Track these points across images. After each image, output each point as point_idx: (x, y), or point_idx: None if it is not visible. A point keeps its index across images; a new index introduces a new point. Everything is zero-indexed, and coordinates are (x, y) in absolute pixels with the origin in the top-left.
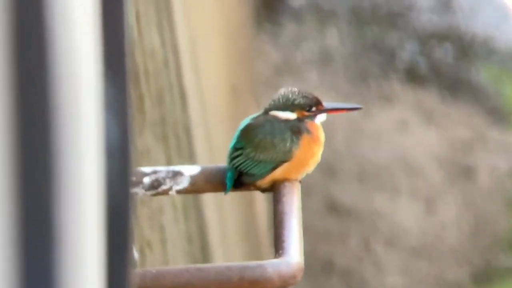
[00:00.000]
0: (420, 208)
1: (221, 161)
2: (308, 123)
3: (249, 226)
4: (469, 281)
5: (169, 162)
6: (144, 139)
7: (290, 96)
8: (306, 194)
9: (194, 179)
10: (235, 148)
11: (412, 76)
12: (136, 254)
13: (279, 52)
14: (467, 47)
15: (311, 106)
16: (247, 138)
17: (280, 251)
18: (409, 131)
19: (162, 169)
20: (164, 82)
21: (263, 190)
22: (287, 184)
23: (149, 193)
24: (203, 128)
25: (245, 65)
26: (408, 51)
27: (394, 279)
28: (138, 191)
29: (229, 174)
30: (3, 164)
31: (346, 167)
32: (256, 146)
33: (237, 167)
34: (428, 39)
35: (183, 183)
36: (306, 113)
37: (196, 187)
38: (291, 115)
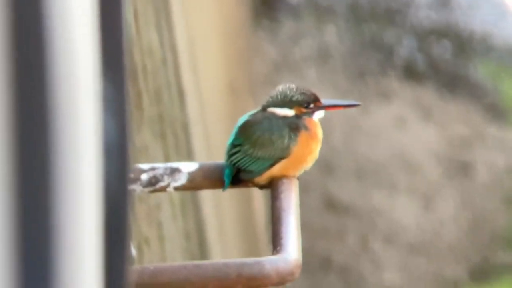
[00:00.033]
0: (418, 205)
1: (219, 159)
2: (306, 119)
3: (247, 223)
4: (467, 277)
5: (167, 160)
6: (142, 136)
7: (288, 92)
8: (304, 191)
9: (192, 176)
10: (233, 145)
11: (410, 73)
12: (133, 251)
13: (277, 49)
14: (465, 44)
15: (309, 102)
16: (245, 135)
17: (278, 248)
18: (407, 128)
19: (160, 165)
20: (162, 80)
21: (261, 187)
22: (285, 180)
23: (146, 189)
24: (201, 126)
25: (243, 62)
26: (406, 47)
27: (392, 275)
28: (136, 187)
29: (227, 171)
30: (1, 162)
31: (344, 164)
32: (254, 143)
33: (235, 163)
34: (426, 36)
35: (181, 179)
36: (304, 110)
37: (194, 184)
38: (289, 112)
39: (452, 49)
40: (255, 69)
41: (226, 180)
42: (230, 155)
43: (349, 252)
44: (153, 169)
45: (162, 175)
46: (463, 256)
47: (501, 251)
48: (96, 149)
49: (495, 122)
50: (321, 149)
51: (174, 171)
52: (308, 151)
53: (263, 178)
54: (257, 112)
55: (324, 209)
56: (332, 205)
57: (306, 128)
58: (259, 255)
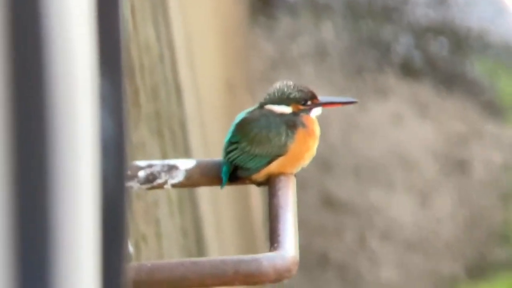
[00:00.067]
0: (415, 202)
1: (216, 157)
2: (303, 117)
3: (244, 220)
4: (464, 274)
5: (164, 157)
6: (139, 132)
7: (286, 90)
8: (301, 188)
9: (189, 173)
10: (231, 142)
11: (407, 70)
12: (131, 248)
13: (274, 46)
14: (462, 41)
15: (307, 100)
16: (243, 132)
17: (275, 245)
18: (404, 125)
19: (157, 163)
20: (159, 77)
21: (259, 184)
22: (282, 178)
23: (144, 187)
24: (199, 123)
25: (240, 59)
26: (403, 45)
27: (389, 273)
28: (133, 185)
29: (224, 168)
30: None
31: (341, 161)
32: (252, 140)
33: (232, 161)
34: (423, 33)
35: (178, 177)
36: (301, 107)
37: (191, 181)
38: (286, 109)
39: (449, 46)
40: (252, 66)
41: (224, 178)
42: (227, 152)
43: (346, 249)
44: (150, 166)
45: (159, 172)
46: (460, 253)
47: (498, 248)
48: (94, 147)
49: (492, 119)
50: (318, 146)
51: (171, 168)
52: (306, 148)
53: (260, 175)
54: (254, 110)
55: (322, 206)
56: (329, 202)
57: (303, 125)
58: (256, 252)
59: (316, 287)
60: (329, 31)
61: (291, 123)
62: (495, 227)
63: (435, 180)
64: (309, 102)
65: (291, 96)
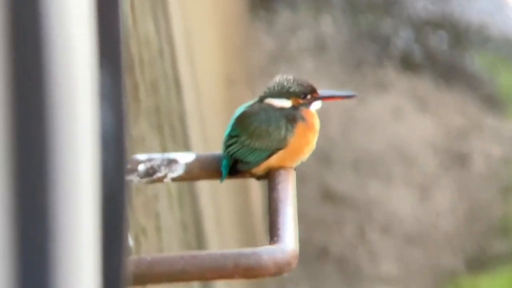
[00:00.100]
0: (414, 195)
1: (216, 150)
2: (303, 110)
3: (244, 214)
4: (463, 268)
5: (164, 152)
6: (139, 126)
7: (285, 83)
8: (301, 181)
9: (189, 167)
10: (230, 136)
11: (407, 64)
12: (131, 242)
13: (274, 40)
14: (462, 35)
15: (306, 93)
16: (242, 126)
17: (275, 238)
18: (403, 119)
19: (157, 156)
20: (159, 71)
21: (258, 178)
22: (282, 171)
23: (144, 180)
24: (198, 117)
25: (240, 53)
26: (402, 38)
27: (389, 266)
28: (133, 178)
29: (224, 162)
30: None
31: (341, 155)
32: (251, 134)
33: (232, 154)
34: (422, 27)
35: (178, 170)
36: (301, 101)
37: (191, 175)
38: (286, 103)
39: (449, 40)
40: (252, 60)
41: (224, 171)
42: (227, 146)
43: (346, 243)
44: (150, 159)
45: (159, 166)
46: (459, 246)
47: (498, 241)
48: (94, 145)
49: (492, 113)
50: (318, 140)
51: (171, 162)
52: (305, 142)
53: (260, 169)
54: (254, 103)
55: (321, 200)
56: (329, 196)
57: (303, 119)
58: (256, 245)
59: (316, 281)
60: (329, 25)
61: (291, 117)
62: (495, 221)
63: (435, 174)
64: (308, 96)
65: (291, 90)
